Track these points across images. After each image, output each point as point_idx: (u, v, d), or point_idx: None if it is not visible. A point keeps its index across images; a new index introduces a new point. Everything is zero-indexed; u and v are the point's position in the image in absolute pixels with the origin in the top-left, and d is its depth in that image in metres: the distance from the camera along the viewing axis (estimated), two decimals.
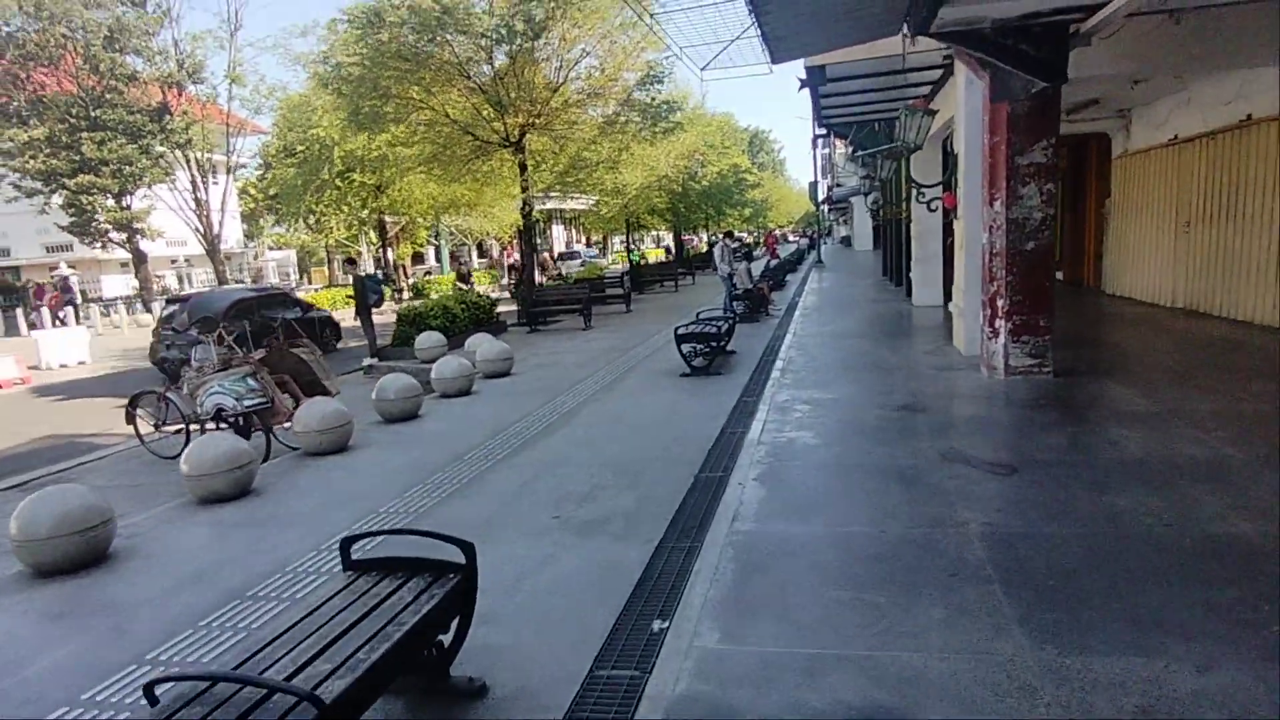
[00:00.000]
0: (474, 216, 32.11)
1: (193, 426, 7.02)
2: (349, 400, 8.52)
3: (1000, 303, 7.40)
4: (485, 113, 16.93)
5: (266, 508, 5.30)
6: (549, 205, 35.59)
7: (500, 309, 18.70)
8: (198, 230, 29.04)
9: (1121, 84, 10.63)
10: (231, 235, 48.56)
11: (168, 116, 27.43)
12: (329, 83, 18.60)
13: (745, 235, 66.77)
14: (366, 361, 13.45)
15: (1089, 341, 9.29)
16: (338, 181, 27.33)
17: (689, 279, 27.54)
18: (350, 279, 13.62)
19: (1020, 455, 5.14)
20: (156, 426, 7.39)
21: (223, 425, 6.84)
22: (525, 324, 16.22)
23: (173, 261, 43.76)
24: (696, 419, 7.06)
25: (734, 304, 14.78)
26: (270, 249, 50.41)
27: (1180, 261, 11.11)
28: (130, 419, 7.54)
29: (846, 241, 55.70)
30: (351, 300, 13.60)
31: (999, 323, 7.44)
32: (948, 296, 13.78)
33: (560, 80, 17.32)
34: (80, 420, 10.27)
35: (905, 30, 7.69)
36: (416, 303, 14.94)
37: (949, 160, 10.87)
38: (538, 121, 17.62)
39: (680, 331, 9.43)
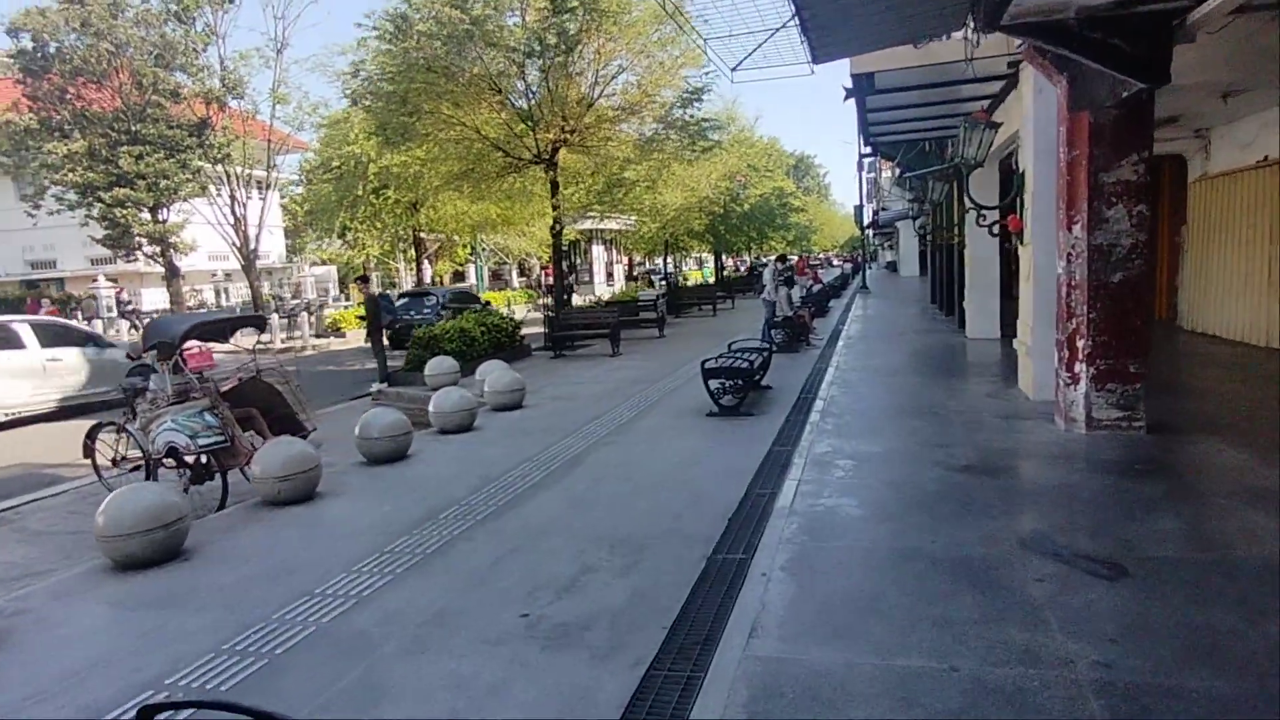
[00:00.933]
0: (510, 235, 31.64)
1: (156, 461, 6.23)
2: (343, 432, 7.69)
3: (1081, 343, 6.24)
4: (517, 128, 16.26)
5: (187, 580, 4.41)
6: (586, 225, 35.01)
7: (531, 330, 17.91)
8: (235, 245, 29.00)
9: (1207, 98, 9.39)
10: (274, 251, 48.99)
11: (208, 132, 27.49)
12: (359, 98, 18.21)
13: (793, 258, 65.80)
14: (375, 387, 12.70)
15: (1181, 389, 8.03)
16: (372, 198, 27.03)
17: (728, 303, 26.51)
18: (364, 298, 12.92)
19: (1127, 547, 4.00)
20: (115, 462, 6.63)
21: (181, 466, 6.03)
22: (552, 349, 15.35)
23: (213, 276, 44.20)
24: (719, 474, 6.02)
25: (772, 332, 13.72)
26: (313, 265, 50.81)
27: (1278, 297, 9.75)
28: (88, 452, 6.79)
29: (892, 267, 54.13)
30: (364, 320, 12.89)
31: (1079, 367, 6.28)
32: (1006, 330, 12.56)
33: (595, 96, 16.59)
34: (61, 447, 9.64)
35: (970, 25, 6.66)
36: (435, 325, 14.21)
37: (1011, 180, 9.71)
38: (571, 138, 16.89)
39: (708, 365, 8.42)
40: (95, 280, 28.87)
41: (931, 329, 15.00)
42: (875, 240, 60.23)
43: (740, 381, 8.34)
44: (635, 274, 51.06)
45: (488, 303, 22.62)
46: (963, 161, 7.75)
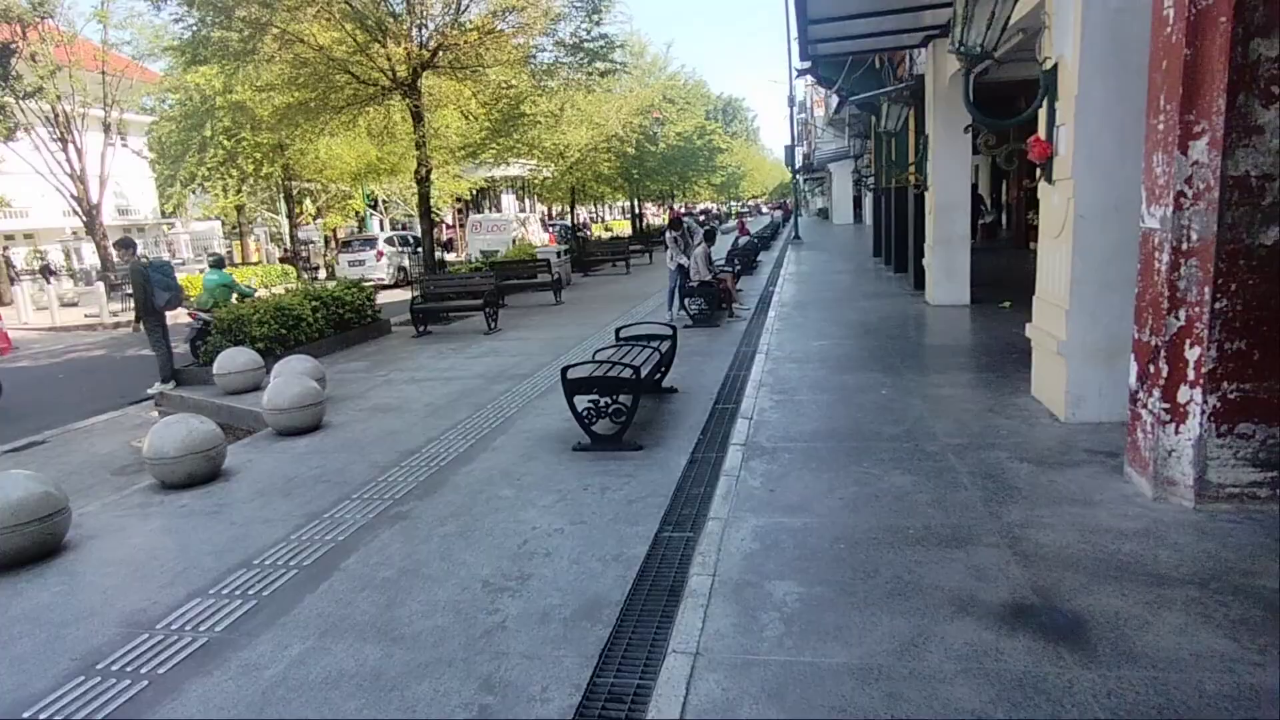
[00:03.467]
0: (406, 183, 27.68)
1: None
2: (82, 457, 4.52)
3: (1194, 353, 3.54)
4: (363, 40, 12.69)
5: None
6: (495, 171, 31.17)
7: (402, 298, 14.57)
8: (72, 197, 24.34)
9: None
10: (145, 205, 43.35)
11: (12, 60, 22.57)
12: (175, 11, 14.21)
13: (712, 208, 62.67)
14: (155, 388, 9.36)
15: None
16: (223, 140, 22.73)
17: (645, 258, 23.47)
18: (128, 267, 9.45)
19: None
20: None
21: None
22: (415, 325, 12.14)
23: (74, 233, 38.65)
24: (562, 612, 3.16)
25: (685, 301, 10.83)
26: (197, 221, 45.28)
27: None
28: None
29: (824, 214, 51.98)
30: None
31: (1189, 394, 3.59)
32: (981, 295, 9.99)
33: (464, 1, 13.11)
34: None
35: None
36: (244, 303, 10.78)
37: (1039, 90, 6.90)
38: (438, 57, 13.44)
39: (572, 375, 5.48)
40: None
41: (882, 292, 12.37)
42: (806, 186, 57.89)
43: (622, 400, 5.44)
44: (551, 226, 47.36)
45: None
46: (964, 49, 4.87)
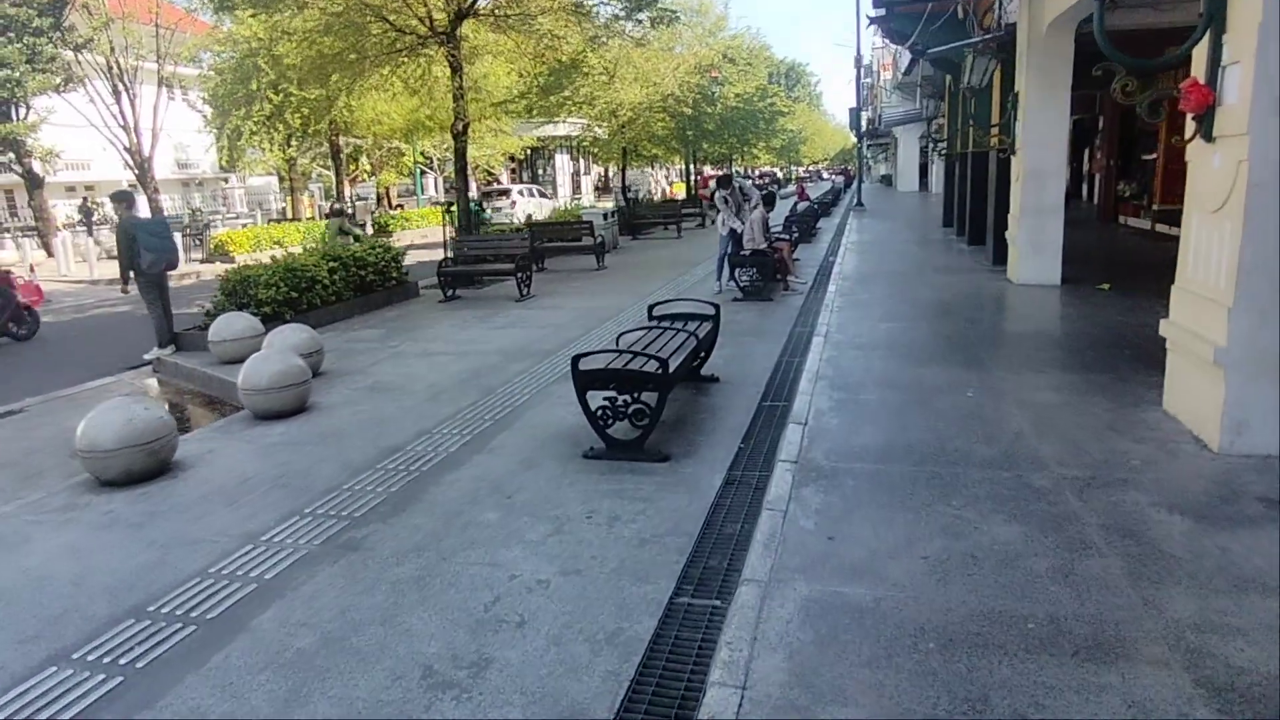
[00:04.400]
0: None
1: None
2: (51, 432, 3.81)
3: None
4: None
5: None
6: (547, 130, 30.02)
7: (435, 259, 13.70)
8: (128, 151, 24.14)
9: None
10: (205, 160, 43.60)
11: (65, 10, 22.27)
12: None
13: (776, 171, 60.40)
14: (153, 353, 8.70)
15: None
16: (270, 94, 22.11)
17: (698, 222, 22.17)
18: (117, 223, 8.70)
19: None
20: None
21: None
22: (443, 289, 11.27)
23: (130, 186, 39.04)
24: (521, 708, 2.21)
25: (736, 273, 9.69)
26: (255, 176, 45.41)
27: None
28: None
29: (887, 181, 49.61)
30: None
31: None
32: (1074, 275, 8.57)
33: None
34: None
35: None
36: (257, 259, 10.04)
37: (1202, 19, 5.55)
38: (476, 3, 12.41)
39: (585, 366, 4.47)
40: None
41: (956, 266, 11.00)
42: (869, 152, 55.31)
43: (645, 399, 4.42)
44: (609, 186, 45.99)
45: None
46: None
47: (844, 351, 6.44)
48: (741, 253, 9.73)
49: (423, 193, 42.31)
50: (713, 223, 9.70)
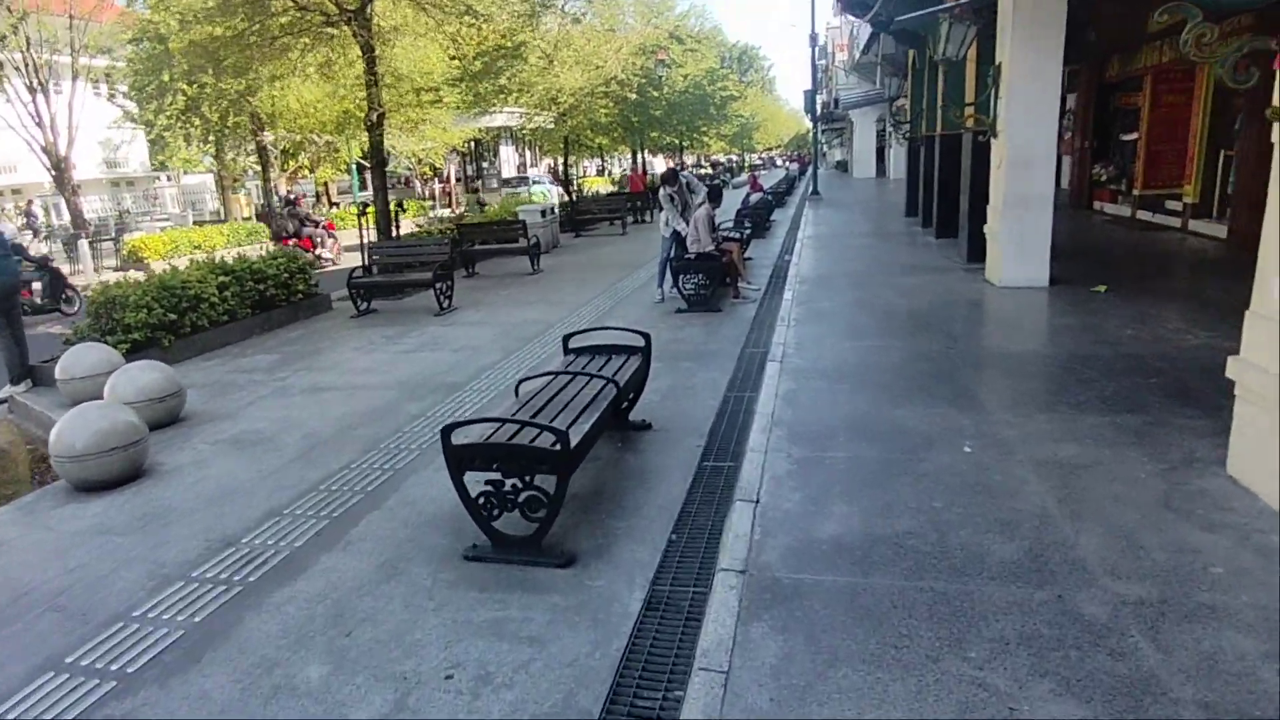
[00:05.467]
0: (400, 134, 25.13)
1: None
2: None
3: None
4: None
5: None
6: (475, 123, 28.36)
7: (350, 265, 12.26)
8: (43, 149, 22.02)
9: None
10: (134, 158, 40.90)
11: None
12: None
13: (725, 160, 59.16)
14: (4, 390, 7.28)
15: None
16: (183, 86, 20.26)
17: (646, 217, 20.90)
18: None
19: None
20: None
21: None
22: (355, 302, 9.89)
23: (53, 188, 36.47)
24: None
25: (680, 280, 8.51)
26: (190, 175, 42.80)
27: None
28: None
29: (842, 166, 48.87)
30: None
31: None
32: (1065, 275, 7.53)
33: None
34: None
35: None
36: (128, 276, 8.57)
37: None
38: None
39: (460, 439, 3.25)
40: None
41: (927, 264, 9.96)
42: (824, 137, 54.55)
43: (541, 479, 3.22)
44: (561, 179, 44.34)
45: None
46: None
47: (804, 383, 5.30)
48: (686, 256, 8.57)
49: (364, 189, 40.35)
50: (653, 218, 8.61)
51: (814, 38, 23.73)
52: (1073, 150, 15.69)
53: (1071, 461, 3.78)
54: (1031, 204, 7.76)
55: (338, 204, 34.61)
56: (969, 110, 8.95)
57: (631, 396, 4.72)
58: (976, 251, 9.14)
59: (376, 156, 11.47)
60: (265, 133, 23.73)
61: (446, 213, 33.21)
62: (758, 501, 3.58)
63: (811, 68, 24.41)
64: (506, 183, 24.41)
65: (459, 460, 3.24)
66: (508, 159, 40.05)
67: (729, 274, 8.71)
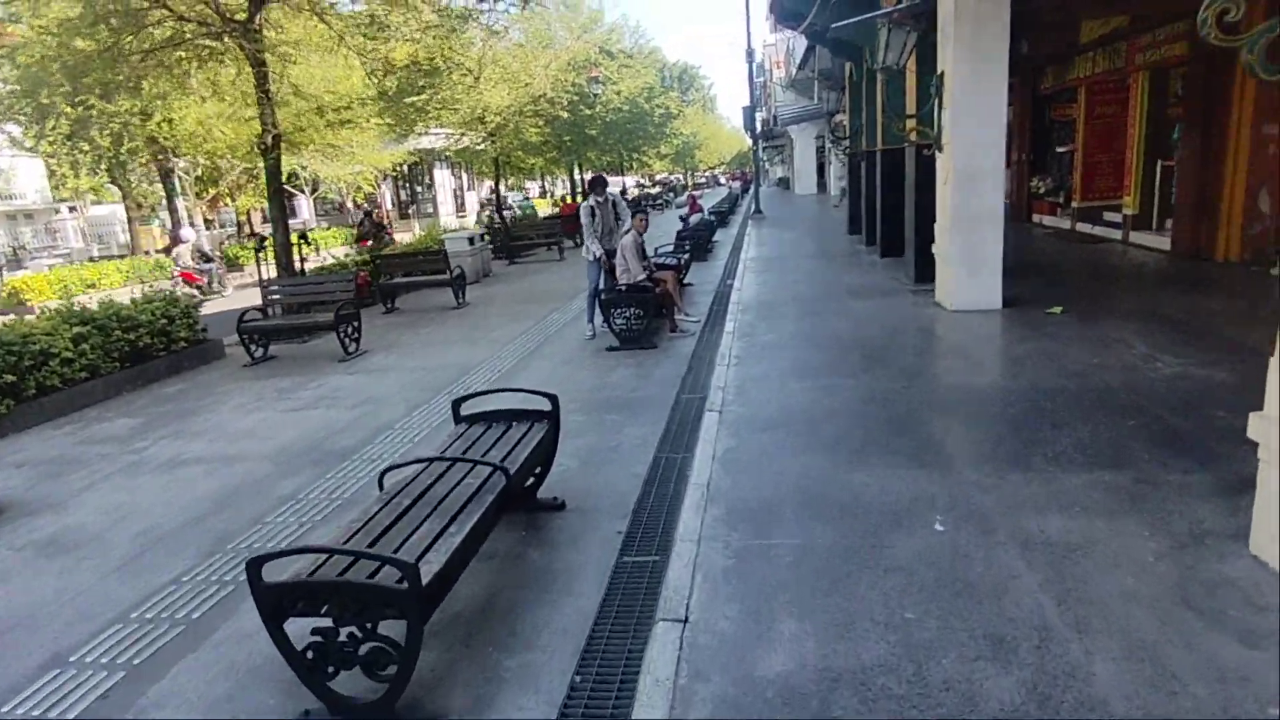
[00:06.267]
0: (313, 158, 23.92)
1: None
2: None
3: None
4: None
5: None
6: (403, 145, 27.25)
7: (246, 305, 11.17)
8: None
9: None
10: (31, 188, 38.56)
11: None
12: None
13: (669, 178, 58.84)
14: None
15: None
16: (65, 107, 18.78)
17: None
18: None
19: None
20: None
21: None
22: (249, 348, 8.86)
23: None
24: None
25: (612, 314, 7.73)
26: (99, 205, 40.44)
27: None
28: None
29: (784, 183, 49.08)
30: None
31: None
32: (1020, 296, 6.96)
33: None
34: None
35: None
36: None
37: None
38: None
39: (274, 576, 2.40)
40: None
41: (874, 287, 9.37)
42: (765, 154, 54.85)
43: (383, 629, 2.38)
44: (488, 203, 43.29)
45: None
46: None
47: (746, 438, 4.56)
48: (617, 287, 7.81)
49: (294, 216, 38.63)
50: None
51: (750, 53, 23.40)
52: (1010, 163, 15.51)
53: (1063, 541, 3.09)
54: (981, 221, 7.23)
55: (258, 234, 33.02)
56: (911, 123, 8.44)
57: (539, 471, 3.91)
58: (924, 272, 8.60)
59: (274, 183, 10.45)
60: (174, 158, 22.29)
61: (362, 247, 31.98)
62: (686, 620, 2.80)
63: (749, 83, 24.08)
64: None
65: (275, 604, 2.38)
66: (443, 183, 38.98)
67: (664, 305, 7.98)
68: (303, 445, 5.56)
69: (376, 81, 12.43)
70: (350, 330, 8.69)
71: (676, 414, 5.39)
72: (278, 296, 9.34)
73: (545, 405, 3.88)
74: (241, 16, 10.08)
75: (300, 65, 12.27)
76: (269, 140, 10.29)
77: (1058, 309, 7.04)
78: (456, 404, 4.02)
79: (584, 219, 8.14)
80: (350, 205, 37.44)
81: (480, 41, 16.82)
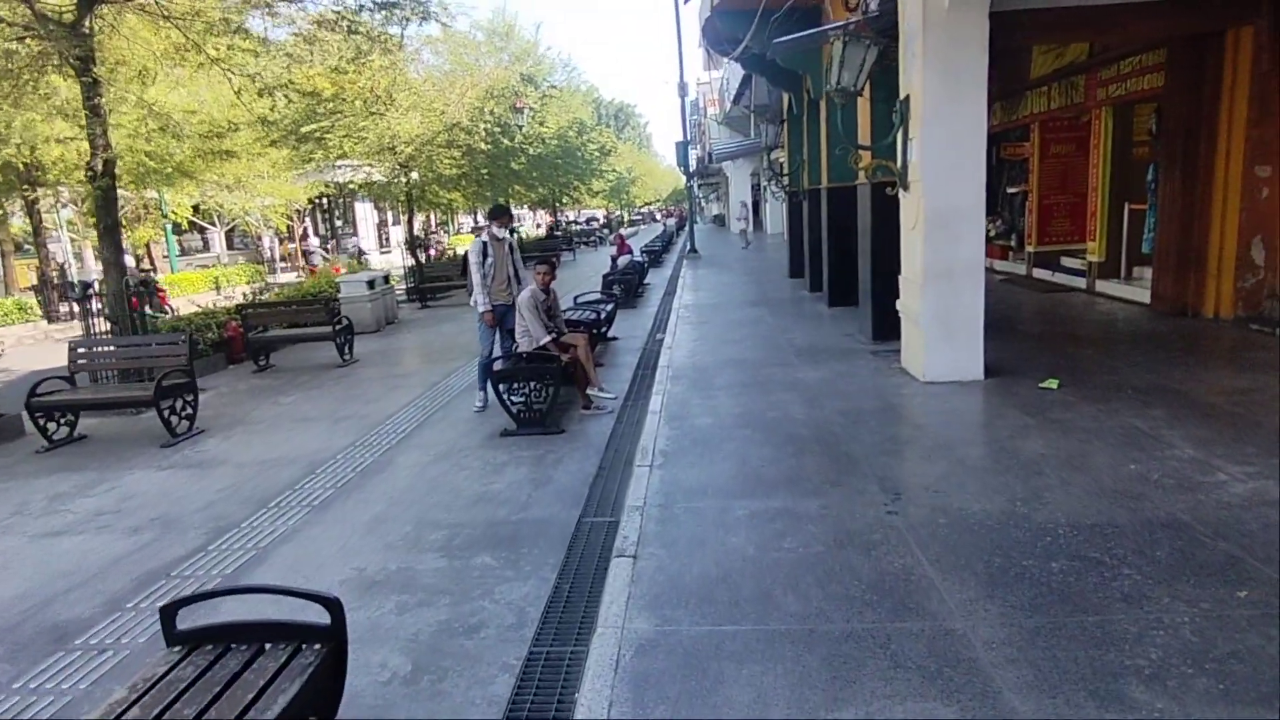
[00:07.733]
0: (215, 190, 21.61)
1: None
2: None
3: None
4: None
5: None
6: (316, 178, 25.18)
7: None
8: None
9: None
10: None
11: None
12: None
13: (603, 215, 57.47)
14: None
15: None
16: None
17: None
18: None
19: None
20: None
21: None
22: (44, 430, 6.90)
23: None
24: None
25: (500, 391, 6.09)
26: None
27: None
28: None
29: (720, 221, 48.50)
30: None
31: None
32: (1013, 364, 5.57)
33: None
34: None
35: None
36: None
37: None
38: None
39: None
40: None
41: (829, 347, 7.96)
42: (700, 191, 54.35)
43: None
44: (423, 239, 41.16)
45: None
46: None
47: (668, 626, 2.97)
48: (517, 352, 6.21)
49: (206, 250, 35.77)
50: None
51: (683, 86, 22.36)
52: None
53: None
54: (958, 275, 5.90)
55: (149, 270, 30.35)
56: (866, 157, 7.14)
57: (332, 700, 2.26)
58: (884, 328, 7.29)
59: (105, 217, 8.51)
60: (37, 187, 19.75)
61: (291, 277, 29.62)
62: None
63: (682, 117, 23.01)
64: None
65: None
66: (365, 217, 36.79)
67: (574, 377, 6.40)
68: (27, 603, 3.76)
69: (248, 101, 10.65)
70: (181, 405, 6.83)
71: (575, 556, 3.80)
72: (85, 362, 7.41)
73: (318, 624, 2.23)
74: (69, 18, 8.28)
75: (160, 83, 10.44)
76: (99, 164, 8.40)
77: (1053, 382, 5.74)
78: (168, 612, 2.33)
79: (472, 259, 6.53)
80: (265, 240, 34.86)
81: (389, 64, 15.24)
